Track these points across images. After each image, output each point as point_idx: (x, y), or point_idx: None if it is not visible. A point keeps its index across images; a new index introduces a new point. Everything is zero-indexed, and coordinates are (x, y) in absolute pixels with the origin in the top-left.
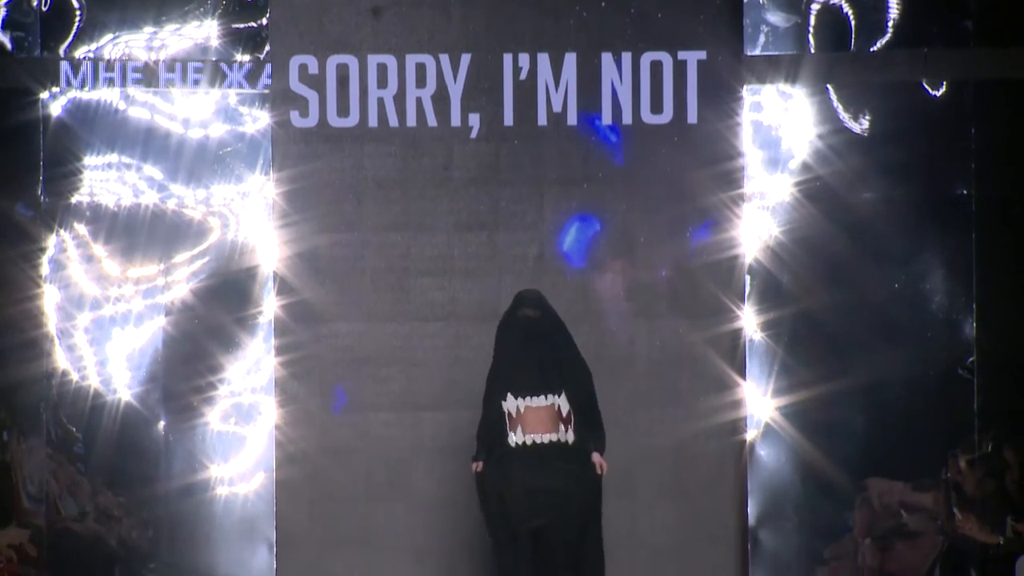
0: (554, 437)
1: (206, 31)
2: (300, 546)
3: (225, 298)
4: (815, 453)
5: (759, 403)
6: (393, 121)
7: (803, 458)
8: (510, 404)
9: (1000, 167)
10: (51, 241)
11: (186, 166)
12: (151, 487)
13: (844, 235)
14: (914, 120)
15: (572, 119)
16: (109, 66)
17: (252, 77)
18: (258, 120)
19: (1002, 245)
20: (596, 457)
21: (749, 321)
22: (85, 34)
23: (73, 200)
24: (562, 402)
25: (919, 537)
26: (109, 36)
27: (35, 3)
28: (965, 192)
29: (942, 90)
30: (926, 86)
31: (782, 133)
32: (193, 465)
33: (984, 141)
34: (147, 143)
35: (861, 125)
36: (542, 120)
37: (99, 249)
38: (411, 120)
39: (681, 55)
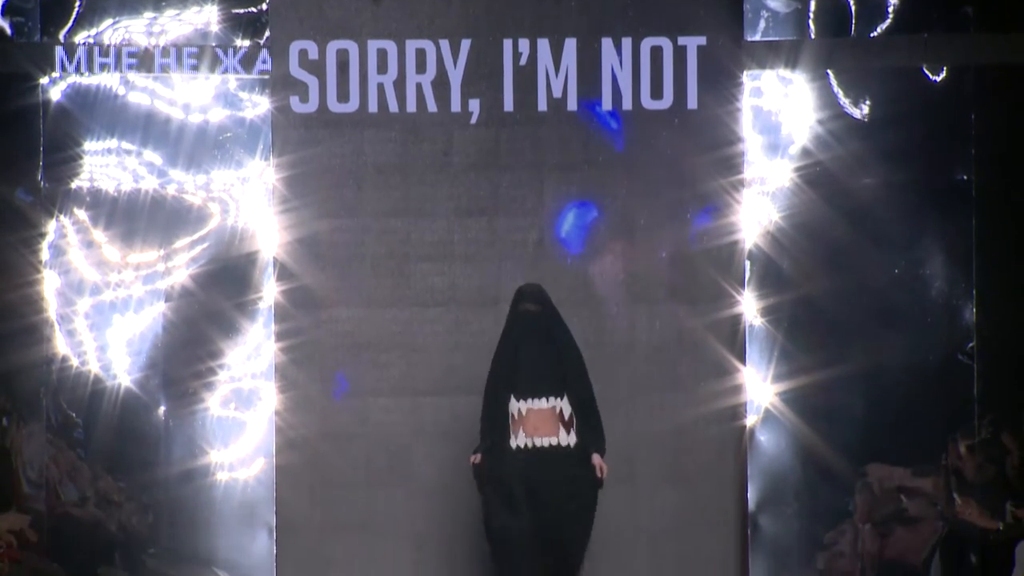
0: (555, 440)
1: (206, 16)
2: (300, 531)
3: (225, 284)
4: (815, 438)
5: (759, 388)
6: (393, 106)
7: (803, 443)
8: (512, 406)
9: (1000, 153)
10: (51, 226)
11: (186, 151)
12: (151, 472)
13: (844, 220)
14: (914, 106)
15: (572, 104)
16: (104, 51)
17: (250, 62)
18: (258, 105)
19: (1002, 231)
20: (596, 459)
21: (749, 307)
22: (85, 19)
23: (73, 185)
24: (564, 405)
25: (919, 522)
26: (109, 21)
27: None
28: (965, 178)
29: (942, 75)
30: (926, 71)
31: (782, 118)
32: (193, 450)
33: (984, 127)
34: (147, 128)
35: (861, 110)
36: (542, 106)
37: (99, 235)
38: (411, 105)
39: (681, 40)
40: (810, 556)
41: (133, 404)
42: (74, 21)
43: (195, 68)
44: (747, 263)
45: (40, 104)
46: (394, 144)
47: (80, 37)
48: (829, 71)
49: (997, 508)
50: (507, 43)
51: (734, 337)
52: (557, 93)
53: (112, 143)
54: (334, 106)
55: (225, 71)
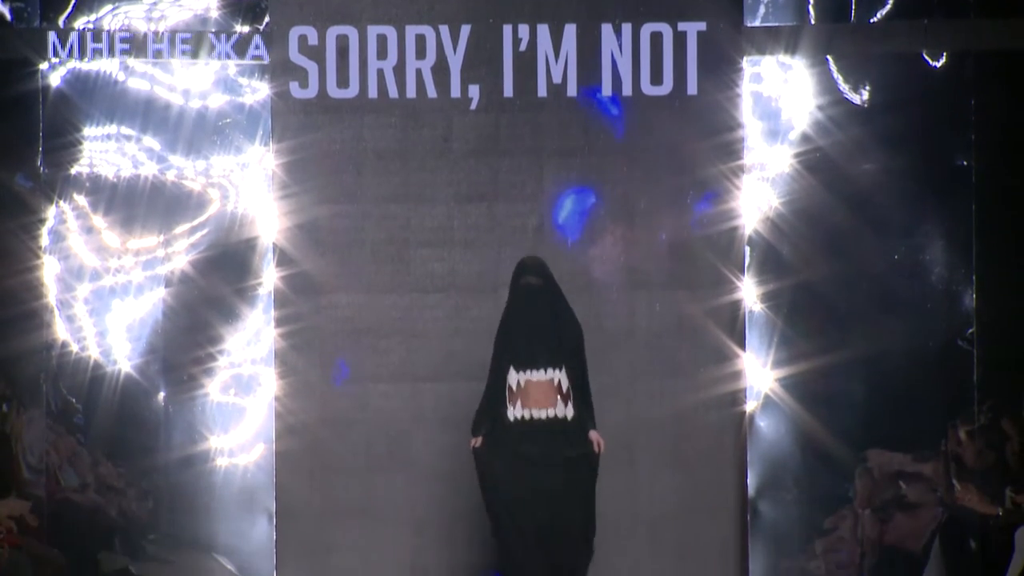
0: (552, 412)
1: (205, 2)
2: (300, 517)
3: (225, 269)
4: (815, 424)
5: (759, 374)
6: (393, 92)
7: (803, 429)
8: (511, 377)
9: (1000, 138)
10: (51, 212)
11: (185, 137)
12: (151, 458)
13: (844, 206)
14: (914, 91)
15: (572, 90)
16: (96, 36)
17: (243, 48)
18: (257, 91)
19: (1002, 216)
20: (594, 435)
21: (749, 292)
22: (84, 5)
23: (73, 171)
24: (562, 377)
25: (918, 508)
26: (108, 7)
27: None
28: (965, 163)
29: (942, 61)
30: (926, 57)
31: (782, 104)
32: (193, 436)
33: (984, 113)
34: (146, 114)
35: (861, 96)
36: (542, 91)
37: (99, 220)
38: (411, 91)
39: (681, 26)
40: (809, 541)
41: (133, 390)
42: (73, 7)
43: (187, 54)
44: (747, 249)
45: (40, 90)
46: (394, 130)
47: (80, 23)
48: (829, 57)
49: (997, 494)
50: (507, 29)
51: (734, 323)
52: (557, 79)
53: (111, 129)
54: (334, 92)
55: (218, 57)
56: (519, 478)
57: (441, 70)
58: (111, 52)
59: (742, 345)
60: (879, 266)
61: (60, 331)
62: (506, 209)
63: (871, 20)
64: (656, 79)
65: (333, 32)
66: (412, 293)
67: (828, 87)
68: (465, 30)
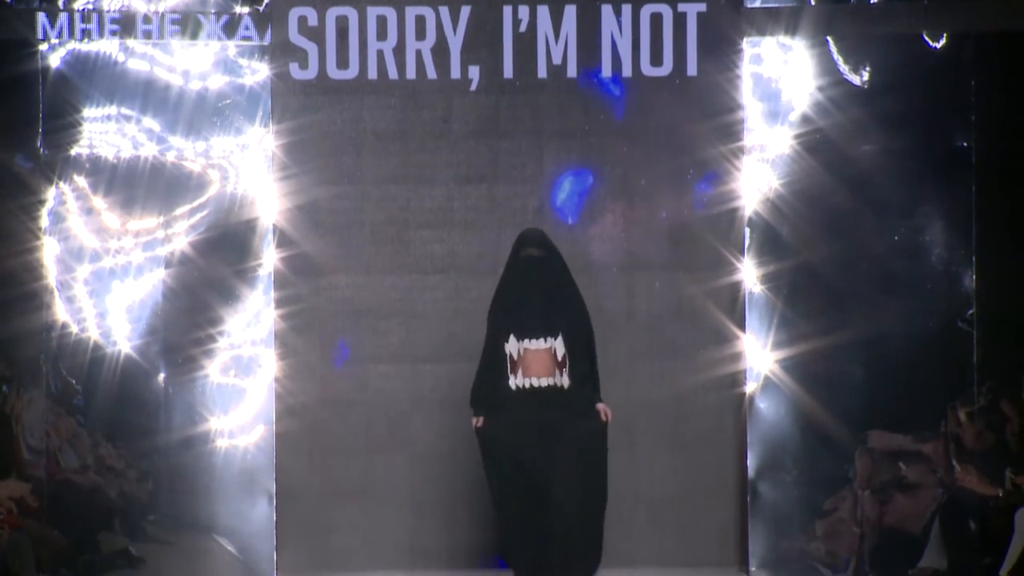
0: (551, 381)
1: None
2: (300, 498)
3: (225, 250)
4: (814, 405)
5: (759, 356)
6: (393, 73)
7: (802, 410)
8: (512, 346)
9: (1000, 119)
10: (50, 193)
11: (185, 118)
12: (151, 439)
13: (844, 187)
14: (914, 72)
15: (572, 71)
16: (85, 17)
17: (232, 29)
18: (257, 72)
19: (1002, 197)
20: (601, 406)
21: (749, 274)
22: None
23: (72, 152)
24: (558, 345)
25: (918, 489)
26: None
27: None
28: (965, 144)
29: (942, 42)
30: (926, 38)
31: (782, 85)
32: (193, 417)
33: (984, 93)
34: (146, 95)
35: (861, 77)
36: (542, 72)
37: (99, 201)
38: (411, 72)
39: (681, 7)
40: (809, 522)
41: (133, 371)
42: None
43: (179, 35)
44: (747, 230)
45: (39, 71)
46: (394, 111)
47: (80, 3)
48: (829, 38)
49: (997, 475)
50: (507, 10)
51: (734, 304)
52: (557, 60)
53: (111, 110)
54: (333, 73)
55: (207, 38)
56: (523, 451)
57: (441, 51)
58: (101, 32)
59: (742, 326)
60: (879, 247)
61: (60, 312)
62: (506, 190)
63: (871, 1)
64: (656, 60)
65: (333, 13)
66: (412, 274)
67: (828, 68)
68: (465, 11)
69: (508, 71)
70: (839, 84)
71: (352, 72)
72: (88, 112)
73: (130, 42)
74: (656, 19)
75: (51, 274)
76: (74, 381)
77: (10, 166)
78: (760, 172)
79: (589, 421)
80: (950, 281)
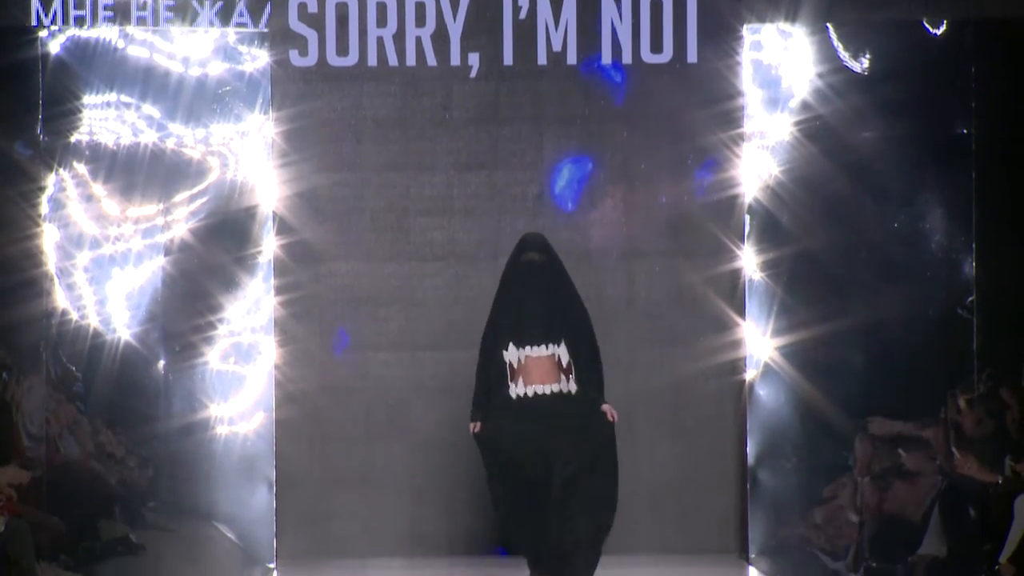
0: (555, 388)
1: None
2: (300, 485)
3: (225, 238)
4: (814, 393)
5: (758, 343)
6: (392, 60)
7: (802, 398)
8: (511, 354)
9: (1000, 106)
10: (50, 180)
11: (185, 105)
12: (151, 426)
13: (844, 174)
14: (914, 59)
15: (572, 58)
16: (79, 3)
17: (228, 15)
18: (257, 59)
19: (1002, 184)
20: (606, 407)
21: (749, 261)
22: None
23: (72, 139)
24: (562, 352)
25: (918, 476)
26: None
27: None
28: (965, 131)
29: (942, 29)
30: (926, 25)
31: (782, 72)
32: (193, 404)
33: (984, 80)
34: (146, 82)
35: (861, 64)
36: (542, 59)
37: (98, 188)
38: (410, 59)
39: None
40: (809, 510)
41: (133, 358)
42: None
43: (174, 21)
44: (747, 217)
45: (39, 57)
46: (393, 98)
47: None
48: (829, 24)
49: (996, 462)
50: None
51: (733, 291)
52: (557, 47)
53: (111, 97)
54: (333, 60)
55: (204, 23)
56: (525, 456)
57: (441, 38)
58: (94, 19)
59: (742, 314)
60: (879, 234)
61: (60, 299)
62: (506, 177)
63: None
64: (656, 47)
65: (332, 0)
66: (412, 261)
67: (828, 55)
68: None
69: (508, 58)
70: (839, 71)
71: (352, 59)
72: (88, 99)
73: (129, 29)
74: (656, 6)
75: (51, 261)
76: (74, 368)
77: (10, 153)
78: (760, 159)
79: (597, 424)
80: (950, 268)
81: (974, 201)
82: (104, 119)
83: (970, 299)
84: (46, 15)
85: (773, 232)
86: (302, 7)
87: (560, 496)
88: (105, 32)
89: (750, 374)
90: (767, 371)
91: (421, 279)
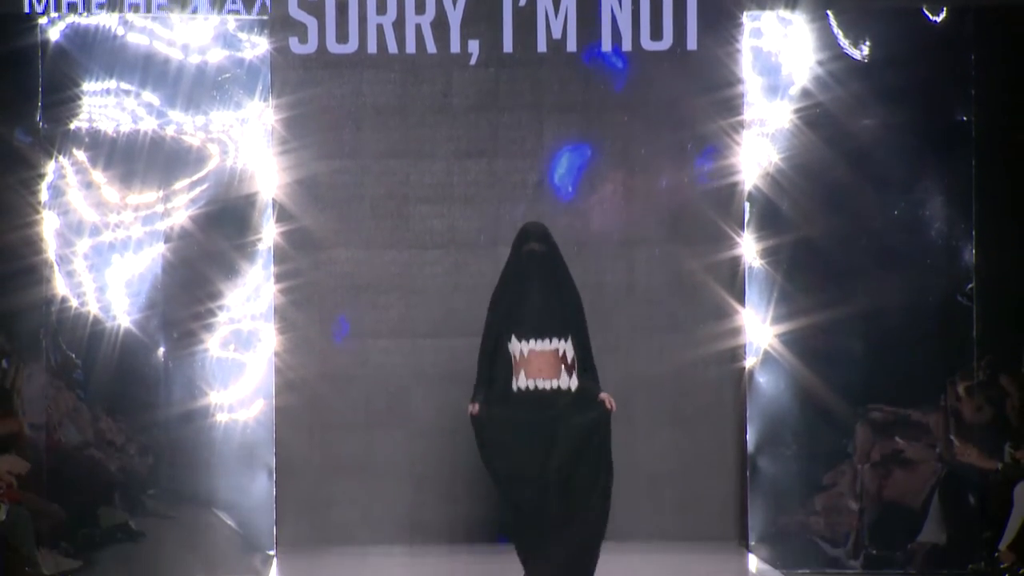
0: (556, 383)
1: None
2: (300, 472)
3: (224, 225)
4: (814, 380)
5: (758, 330)
6: (392, 47)
7: (802, 385)
8: (514, 347)
9: (1000, 93)
10: (50, 167)
11: (185, 92)
12: (151, 413)
13: (844, 162)
14: (914, 46)
15: (572, 46)
16: None
17: (221, 1)
18: (257, 46)
19: (1002, 172)
20: (604, 395)
21: (748, 248)
22: None
23: (72, 126)
24: (567, 347)
25: (918, 464)
26: None
27: None
28: (965, 118)
29: (942, 16)
30: (926, 12)
31: (782, 59)
32: (193, 392)
33: (984, 67)
34: (146, 69)
35: (861, 51)
36: (542, 47)
37: (98, 175)
38: (410, 47)
39: None
40: (809, 497)
41: (133, 345)
42: None
43: (168, 8)
44: (746, 205)
45: (38, 44)
46: (393, 85)
47: None
48: (829, 12)
49: (996, 449)
50: None
51: (733, 279)
52: (557, 34)
53: (111, 84)
54: (333, 47)
55: (195, 10)
56: (521, 436)
57: (440, 25)
58: (87, 5)
59: (741, 301)
60: (879, 222)
61: (60, 286)
62: (506, 165)
63: None
64: (656, 34)
65: None
66: (411, 249)
67: (828, 42)
68: None
69: (508, 45)
70: (839, 58)
71: (352, 46)
72: (88, 86)
73: (129, 16)
74: None
75: (51, 248)
76: (74, 355)
77: (10, 140)
78: (760, 146)
79: (592, 411)
80: (950, 256)
81: (974, 189)
82: (104, 106)
83: (970, 286)
84: (39, 2)
85: (773, 220)
86: None
87: (555, 483)
88: (105, 19)
89: (750, 362)
90: (767, 359)
91: (421, 267)
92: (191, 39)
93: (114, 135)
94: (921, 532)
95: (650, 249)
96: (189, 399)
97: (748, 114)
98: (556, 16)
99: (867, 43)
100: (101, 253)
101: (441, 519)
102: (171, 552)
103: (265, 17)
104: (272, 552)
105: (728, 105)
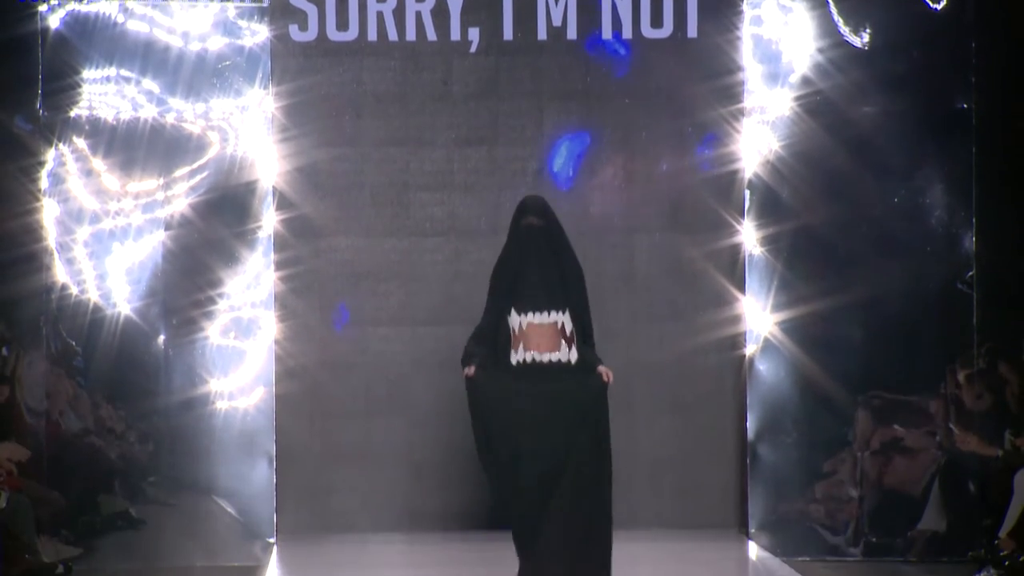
0: (556, 356)
1: None
2: (299, 460)
3: (224, 212)
4: (814, 368)
5: (758, 318)
6: (392, 35)
7: (802, 373)
8: (513, 320)
9: (1000, 81)
10: (50, 155)
11: (185, 80)
12: (151, 401)
13: (844, 149)
14: (915, 34)
15: (572, 33)
16: None
17: None
18: (257, 34)
19: (1002, 159)
20: (602, 368)
21: (749, 236)
22: None
23: (72, 114)
24: (566, 320)
25: (918, 451)
26: None
27: None
28: (965, 106)
29: (943, 3)
30: None
31: (782, 47)
32: (193, 379)
33: (984, 55)
34: (146, 56)
35: (861, 39)
36: (542, 34)
37: (98, 163)
38: (410, 34)
39: None
40: (809, 485)
41: (133, 333)
42: None
43: None
44: (747, 192)
45: (38, 32)
46: (393, 73)
47: None
48: None
49: (996, 437)
50: None
51: (733, 267)
52: (557, 22)
53: (111, 71)
54: (333, 34)
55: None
56: (519, 404)
57: (441, 13)
58: None
59: (742, 289)
60: (879, 209)
61: (60, 274)
62: (506, 152)
63: None
64: (656, 22)
65: None
66: (412, 237)
67: (828, 30)
68: None
69: (508, 33)
70: (839, 46)
71: (352, 34)
72: (88, 73)
73: (129, 3)
74: None
75: (51, 236)
76: (74, 343)
77: (10, 128)
78: (760, 134)
79: (590, 383)
80: (950, 243)
81: (974, 176)
82: (104, 94)
83: (970, 274)
84: None
85: (773, 207)
86: None
87: (553, 463)
88: (104, 6)
89: (750, 349)
90: (767, 346)
91: (421, 254)
92: (191, 26)
93: (114, 123)
94: (921, 520)
95: (650, 237)
96: (189, 387)
97: (748, 102)
98: (556, 4)
99: (867, 30)
100: (101, 241)
101: (441, 506)
102: (171, 539)
103: (265, 4)
104: (272, 539)
105: (728, 93)
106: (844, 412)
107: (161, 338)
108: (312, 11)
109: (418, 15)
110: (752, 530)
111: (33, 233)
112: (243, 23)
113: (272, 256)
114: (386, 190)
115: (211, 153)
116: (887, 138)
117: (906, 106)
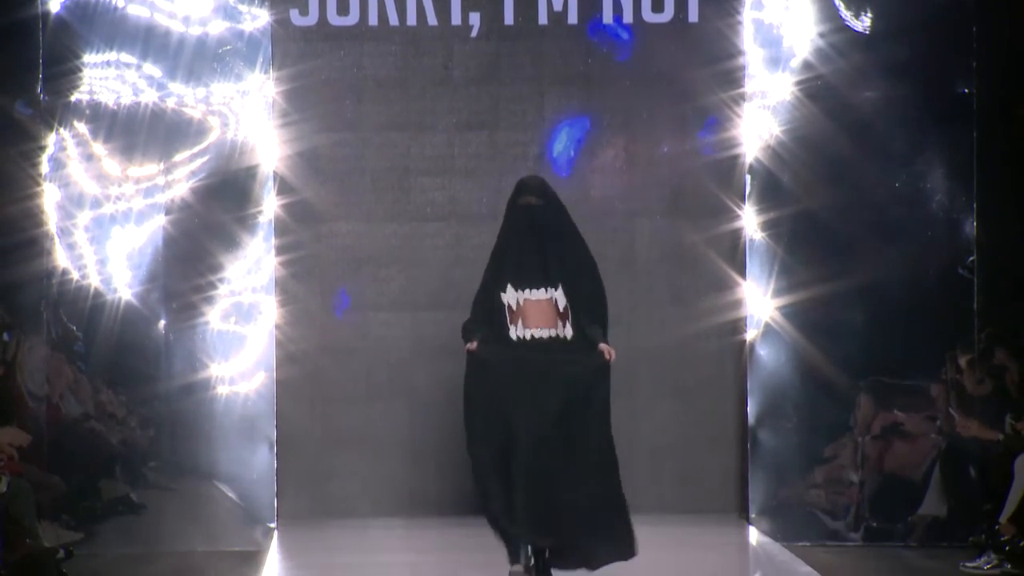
0: (553, 332)
1: None
2: (300, 445)
3: (225, 197)
4: (815, 353)
5: (759, 303)
6: (393, 19)
7: (803, 358)
8: (510, 296)
9: (1002, 66)
10: (51, 140)
11: (185, 64)
12: (152, 386)
13: (845, 134)
14: (916, 19)
15: (573, 18)
16: None
17: None
18: (257, 18)
19: (1003, 144)
20: (603, 345)
21: (749, 221)
22: None
23: (73, 98)
24: (559, 296)
25: (918, 436)
26: None
27: None
28: (966, 91)
29: None
30: None
31: (783, 32)
32: (194, 364)
33: (986, 40)
34: (147, 41)
35: (863, 23)
36: (543, 19)
37: (99, 148)
38: (411, 19)
39: None
40: (809, 469)
41: (133, 317)
42: None
43: None
44: (747, 177)
45: (39, 16)
46: (394, 58)
47: None
48: None
49: (996, 422)
50: None
51: (734, 252)
52: (558, 6)
53: (112, 56)
54: (334, 19)
55: None
56: (517, 371)
57: None
58: None
59: (742, 274)
60: (880, 194)
61: (60, 259)
62: (507, 137)
63: None
64: (657, 6)
65: None
66: (412, 222)
67: (830, 14)
68: None
69: (509, 17)
70: (841, 30)
71: (352, 18)
72: (88, 58)
73: None
74: None
75: (51, 220)
76: (75, 328)
77: (10, 112)
78: (761, 119)
79: (591, 359)
80: (951, 228)
81: (975, 161)
82: (105, 78)
83: (971, 259)
84: None
85: (774, 192)
86: None
87: (552, 437)
88: None
89: (751, 334)
90: (768, 331)
91: (422, 239)
92: (192, 11)
93: (115, 107)
94: (922, 505)
95: (651, 222)
96: (190, 372)
97: (749, 86)
98: None
99: (869, 15)
100: (102, 225)
101: (441, 491)
102: (172, 524)
103: None
104: (273, 524)
105: (729, 77)
106: (845, 397)
107: (162, 323)
108: None
109: (419, 0)
110: (752, 515)
111: (34, 218)
112: (243, 7)
113: (273, 241)
114: (387, 175)
115: (212, 138)
116: (888, 123)
117: (907, 91)
